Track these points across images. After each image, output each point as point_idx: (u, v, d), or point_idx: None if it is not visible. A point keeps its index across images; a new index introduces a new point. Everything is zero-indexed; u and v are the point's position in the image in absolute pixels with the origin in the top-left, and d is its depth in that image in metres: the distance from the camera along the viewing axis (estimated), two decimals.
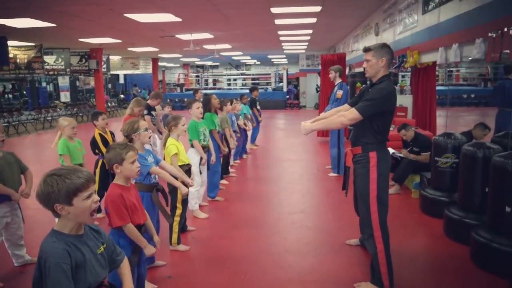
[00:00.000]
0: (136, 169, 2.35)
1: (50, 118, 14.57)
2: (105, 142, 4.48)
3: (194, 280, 3.16)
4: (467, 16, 4.66)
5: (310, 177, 6.45)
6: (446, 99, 13.45)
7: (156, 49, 17.39)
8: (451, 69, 17.70)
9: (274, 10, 8.83)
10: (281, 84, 22.20)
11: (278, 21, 10.48)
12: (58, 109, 15.90)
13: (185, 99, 16.42)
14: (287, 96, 20.32)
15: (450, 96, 15.85)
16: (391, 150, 6.01)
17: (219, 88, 26.78)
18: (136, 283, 2.46)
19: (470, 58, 4.40)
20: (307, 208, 4.84)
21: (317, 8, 8.77)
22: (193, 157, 4.25)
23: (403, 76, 9.18)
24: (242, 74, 28.16)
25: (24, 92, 22.89)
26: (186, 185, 3.36)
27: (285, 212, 4.70)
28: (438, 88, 7.87)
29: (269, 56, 24.55)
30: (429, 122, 7.27)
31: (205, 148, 4.45)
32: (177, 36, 12.71)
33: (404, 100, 8.00)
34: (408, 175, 5.27)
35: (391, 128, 6.91)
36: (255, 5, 8.29)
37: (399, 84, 8.36)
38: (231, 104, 6.12)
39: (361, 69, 10.42)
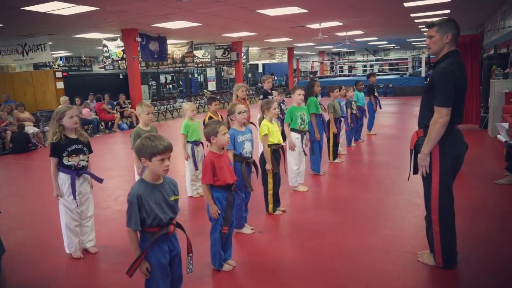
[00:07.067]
0: (227, 139, 2.98)
1: (198, 104, 16.86)
2: None
3: (280, 236, 3.79)
4: None
5: None
6: None
7: (290, 39, 18.30)
8: None
9: None
10: (419, 69, 20.84)
11: (407, 4, 10.14)
12: (205, 97, 18.21)
13: None
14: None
15: None
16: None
17: (354, 75, 26.44)
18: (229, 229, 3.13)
19: None
20: (409, 191, 4.92)
21: None
22: (296, 138, 4.81)
23: None
24: (378, 60, 27.20)
25: (181, 83, 26.62)
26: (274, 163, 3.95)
27: (384, 194, 4.91)
28: None
29: (408, 40, 23.18)
30: None
31: (304, 132, 4.88)
32: (306, 26, 13.29)
33: None
34: None
35: None
36: None
37: None
38: (339, 90, 6.38)
39: (504, 51, 9.37)
